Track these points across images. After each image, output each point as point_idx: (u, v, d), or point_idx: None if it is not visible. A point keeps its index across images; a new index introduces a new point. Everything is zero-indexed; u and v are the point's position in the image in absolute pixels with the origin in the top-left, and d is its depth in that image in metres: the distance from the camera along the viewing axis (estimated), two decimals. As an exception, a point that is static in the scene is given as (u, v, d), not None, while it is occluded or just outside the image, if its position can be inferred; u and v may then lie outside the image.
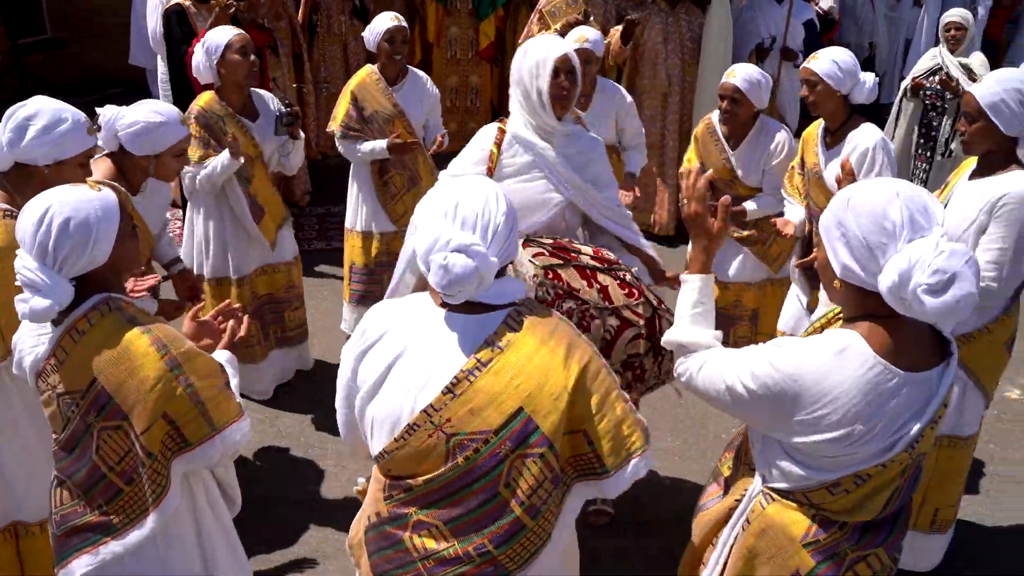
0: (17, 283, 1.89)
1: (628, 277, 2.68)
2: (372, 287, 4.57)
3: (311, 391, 4.37)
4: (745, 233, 4.12)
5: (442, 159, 3.90)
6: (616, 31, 5.53)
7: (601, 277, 2.61)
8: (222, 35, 3.74)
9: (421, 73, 4.61)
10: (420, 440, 1.72)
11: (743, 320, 4.34)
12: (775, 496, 1.87)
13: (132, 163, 3.00)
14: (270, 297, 4.21)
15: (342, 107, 4.39)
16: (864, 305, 1.71)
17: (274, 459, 3.89)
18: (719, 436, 4.13)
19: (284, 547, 3.36)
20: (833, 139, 3.53)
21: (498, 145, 2.91)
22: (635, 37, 5.82)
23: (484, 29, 7.48)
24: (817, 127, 3.62)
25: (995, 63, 9.56)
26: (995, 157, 2.80)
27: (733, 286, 4.27)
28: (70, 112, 2.52)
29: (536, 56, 2.79)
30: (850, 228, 1.66)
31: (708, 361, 1.89)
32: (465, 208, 1.72)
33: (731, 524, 1.97)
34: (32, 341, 2.01)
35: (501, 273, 1.78)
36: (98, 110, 2.95)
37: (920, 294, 1.54)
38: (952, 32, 5.88)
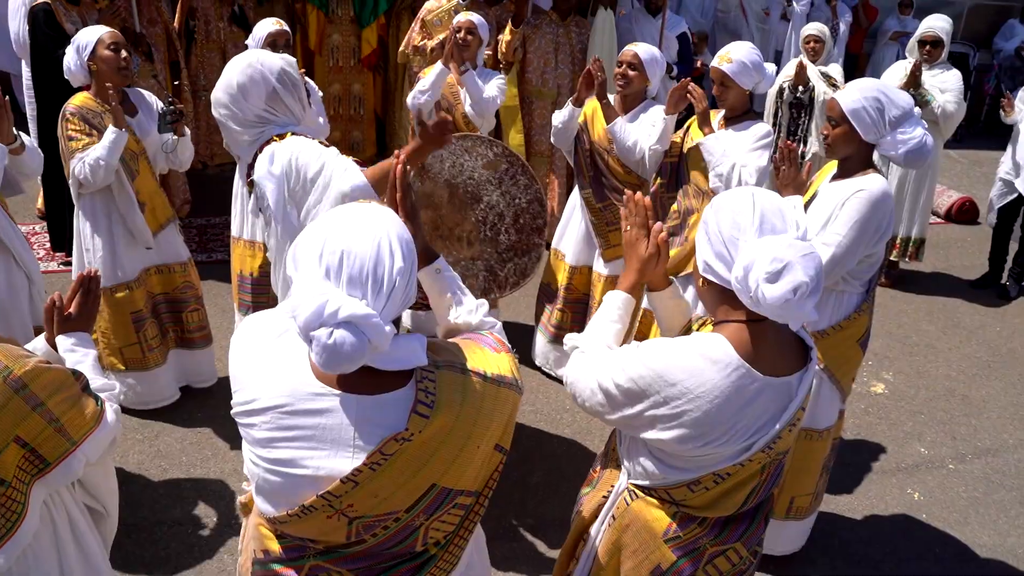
0: None
1: None
2: (261, 297, 4.49)
3: (192, 407, 4.26)
4: (598, 207, 4.37)
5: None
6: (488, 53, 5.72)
7: None
8: (92, 33, 3.66)
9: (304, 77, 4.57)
10: (318, 519, 1.55)
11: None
12: (639, 492, 1.95)
13: None
14: (166, 296, 4.13)
15: None
16: (726, 307, 1.79)
17: (154, 479, 3.77)
18: (604, 441, 4.25)
19: (165, 573, 3.27)
20: (730, 124, 3.82)
21: None
22: (525, 37, 5.97)
23: (366, 37, 7.43)
24: (714, 116, 3.90)
25: (857, 74, 10.19)
26: (854, 161, 2.98)
27: (582, 270, 4.56)
28: None
29: None
30: (711, 226, 1.77)
31: (585, 362, 1.93)
32: (352, 263, 1.42)
33: (600, 519, 2.05)
34: None
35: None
36: None
37: (760, 283, 1.63)
38: (812, 44, 6.36)
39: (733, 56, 3.71)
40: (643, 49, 4.17)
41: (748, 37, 9.68)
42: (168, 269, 4.12)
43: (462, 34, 4.58)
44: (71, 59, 3.66)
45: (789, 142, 3.14)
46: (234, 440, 4.00)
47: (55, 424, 1.88)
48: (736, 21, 9.82)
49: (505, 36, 5.99)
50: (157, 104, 3.88)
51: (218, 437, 4.04)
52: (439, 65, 4.57)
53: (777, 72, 9.49)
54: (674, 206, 4.03)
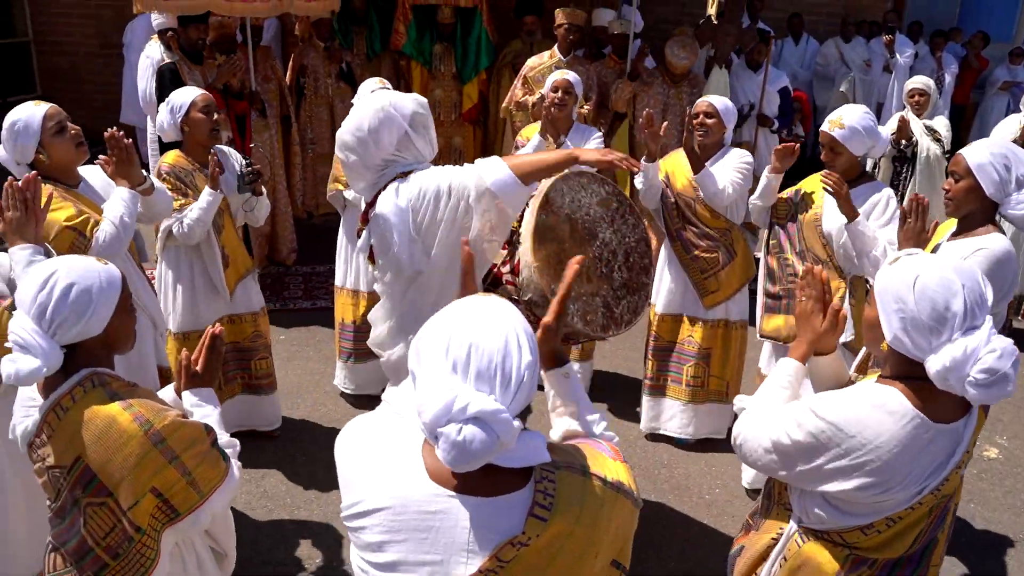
0: (7, 344, 1.92)
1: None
2: (361, 344, 4.63)
3: (295, 450, 4.40)
4: (688, 257, 4.35)
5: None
6: (586, 108, 5.81)
7: None
8: (187, 94, 3.88)
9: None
10: None
11: (695, 359, 4.48)
12: (811, 535, 2.02)
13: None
14: (235, 346, 4.26)
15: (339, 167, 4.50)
16: (905, 368, 1.88)
17: (259, 519, 3.89)
18: (703, 497, 4.19)
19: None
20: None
21: None
22: (637, 99, 6.06)
23: (467, 92, 7.65)
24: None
25: (964, 126, 9.92)
26: (975, 218, 2.92)
27: (670, 318, 4.50)
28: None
29: None
30: (910, 307, 1.80)
31: (754, 423, 2.04)
32: (480, 357, 1.37)
33: (770, 561, 2.11)
34: (23, 412, 2.04)
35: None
36: None
37: (967, 385, 1.74)
38: (916, 97, 6.21)
39: (845, 121, 3.60)
40: (716, 99, 4.26)
41: (848, 89, 9.58)
42: (240, 319, 4.25)
43: (558, 94, 4.69)
44: (164, 117, 3.88)
45: (920, 196, 3.08)
46: (337, 484, 4.10)
47: (188, 477, 1.98)
48: (837, 72, 9.73)
49: (619, 92, 6.07)
50: (238, 161, 4.07)
51: (322, 480, 4.15)
52: (537, 137, 4.69)
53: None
54: (772, 260, 4.00)
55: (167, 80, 5.45)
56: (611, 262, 2.86)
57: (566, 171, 2.73)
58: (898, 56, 9.29)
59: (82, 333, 1.96)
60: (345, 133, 2.69)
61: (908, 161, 6.07)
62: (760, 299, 4.02)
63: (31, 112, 3.00)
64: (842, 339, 3.73)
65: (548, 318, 1.79)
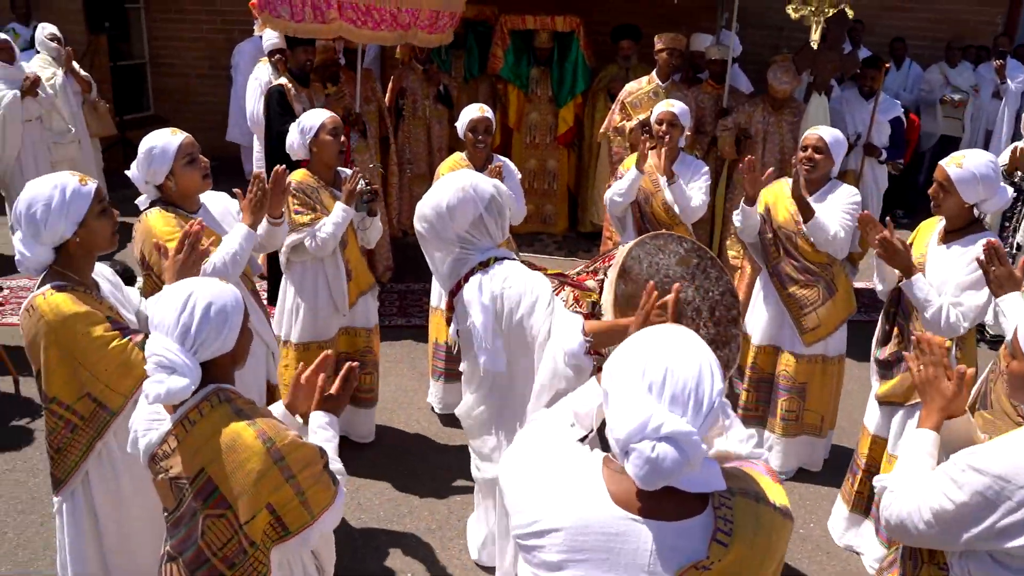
0: (147, 366, 2.01)
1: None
2: (453, 364, 4.70)
3: (388, 465, 4.46)
4: (787, 293, 4.27)
5: (521, 240, 4.06)
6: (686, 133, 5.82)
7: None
8: (317, 117, 4.06)
9: (503, 158, 4.84)
10: None
11: (790, 393, 4.38)
12: None
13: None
14: (348, 356, 4.37)
15: None
16: None
17: (354, 531, 3.96)
18: (797, 531, 4.09)
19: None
20: (946, 239, 3.44)
21: None
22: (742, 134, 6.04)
23: (563, 115, 7.71)
24: (935, 224, 3.55)
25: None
26: None
27: (767, 349, 4.42)
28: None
29: None
30: None
31: (903, 497, 1.97)
32: (676, 381, 1.43)
33: None
34: (146, 425, 2.12)
35: None
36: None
37: None
38: None
39: (966, 163, 3.28)
40: (827, 132, 4.16)
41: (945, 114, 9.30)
42: (355, 332, 4.40)
43: (664, 127, 4.68)
44: (294, 138, 4.09)
45: (992, 240, 2.96)
46: (430, 499, 4.17)
47: (301, 497, 2.03)
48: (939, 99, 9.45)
49: (723, 140, 6.09)
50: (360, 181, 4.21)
51: (414, 495, 4.21)
52: (634, 170, 4.70)
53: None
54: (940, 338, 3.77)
55: (275, 101, 5.66)
56: (695, 320, 2.85)
57: (643, 236, 2.84)
58: (1009, 81, 8.96)
59: (219, 349, 2.06)
60: (425, 206, 2.84)
61: (1022, 194, 5.81)
62: (872, 364, 3.78)
63: (168, 140, 3.16)
64: None
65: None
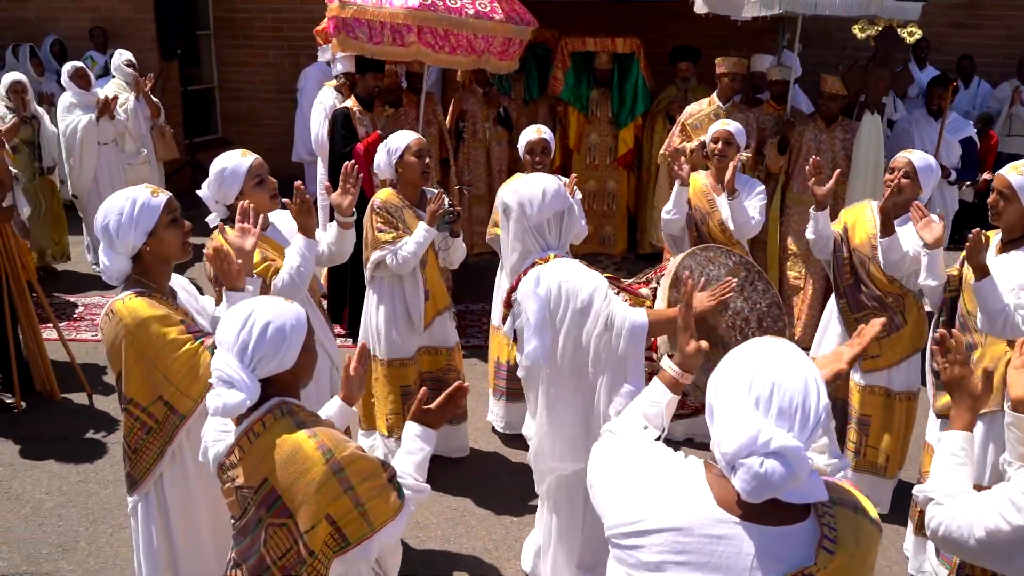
0: (211, 380, 2.09)
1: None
2: (514, 383, 4.74)
3: (448, 484, 4.47)
4: (853, 317, 4.13)
5: (580, 261, 4.06)
6: (747, 155, 5.78)
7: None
8: (403, 138, 4.17)
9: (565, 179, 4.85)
10: None
11: (855, 424, 4.25)
12: None
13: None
14: (431, 375, 4.47)
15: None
16: None
17: (411, 548, 3.98)
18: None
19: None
20: (1004, 249, 3.40)
21: None
22: (790, 146, 5.97)
23: (623, 137, 7.71)
24: (994, 234, 3.49)
25: None
26: None
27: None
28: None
29: None
30: None
31: (954, 507, 1.95)
32: (783, 396, 1.46)
33: None
34: (215, 436, 2.20)
35: None
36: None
37: None
38: None
39: (1021, 164, 3.28)
40: (917, 157, 4.01)
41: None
42: (436, 351, 4.48)
43: (719, 145, 4.67)
44: (382, 158, 4.20)
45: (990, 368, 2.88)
46: (487, 517, 4.19)
47: (360, 508, 2.07)
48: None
49: (772, 158, 6.05)
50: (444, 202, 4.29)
51: (471, 515, 4.23)
52: (677, 185, 4.70)
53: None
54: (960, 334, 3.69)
55: (340, 124, 5.80)
56: (744, 329, 2.89)
57: (693, 248, 2.98)
58: (1084, 100, 8.70)
59: (277, 367, 2.12)
60: (523, 187, 3.07)
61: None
62: (930, 377, 3.71)
63: (238, 161, 3.28)
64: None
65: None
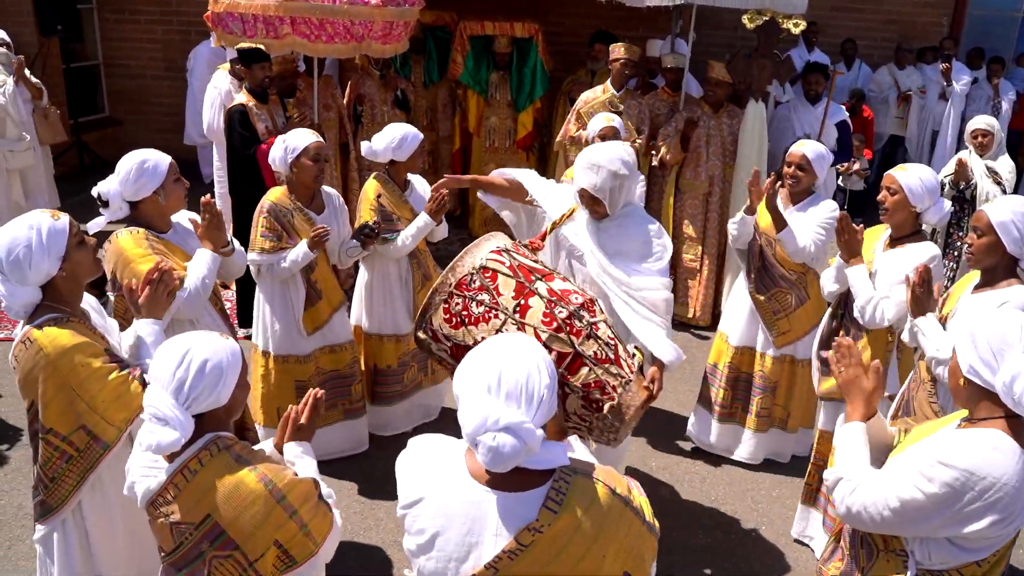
0: (143, 416, 2.08)
1: (563, 316, 2.54)
2: (398, 387, 4.89)
3: (353, 476, 4.53)
4: (762, 299, 4.47)
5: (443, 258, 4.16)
6: (638, 141, 5.94)
7: (533, 300, 2.55)
8: (302, 139, 4.09)
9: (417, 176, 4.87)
10: None
11: (764, 392, 4.63)
12: (930, 574, 2.18)
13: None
14: (336, 373, 4.48)
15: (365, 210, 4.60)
16: (989, 404, 2.09)
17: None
18: (748, 534, 4.25)
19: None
20: (893, 245, 3.65)
21: (572, 212, 3.44)
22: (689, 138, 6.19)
23: (522, 120, 7.78)
24: (881, 232, 3.78)
25: (1022, 154, 9.77)
26: (997, 272, 3.00)
27: (743, 350, 4.64)
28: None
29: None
30: (979, 337, 2.07)
31: (865, 484, 2.19)
32: (508, 380, 1.70)
33: None
34: (143, 471, 2.18)
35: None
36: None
37: None
38: (980, 139, 6.03)
39: (911, 169, 3.57)
40: (810, 148, 4.31)
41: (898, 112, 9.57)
42: (340, 348, 4.49)
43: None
44: (278, 153, 4.11)
45: (922, 269, 3.13)
46: (394, 512, 4.23)
47: (304, 529, 2.15)
48: (892, 98, 9.69)
49: (674, 151, 6.27)
50: (339, 201, 4.34)
51: (378, 509, 4.29)
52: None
53: (930, 158, 9.38)
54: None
55: (237, 123, 5.59)
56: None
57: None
58: (955, 83, 9.21)
59: (213, 404, 2.13)
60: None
61: (968, 203, 5.98)
62: (815, 362, 4.02)
63: (160, 157, 3.21)
64: (889, 391, 3.77)
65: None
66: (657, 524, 1.87)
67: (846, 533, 2.46)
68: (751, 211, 4.39)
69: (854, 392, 2.41)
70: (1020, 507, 2.01)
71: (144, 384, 2.63)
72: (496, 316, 2.55)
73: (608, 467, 1.92)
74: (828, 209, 4.28)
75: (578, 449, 2.19)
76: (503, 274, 2.63)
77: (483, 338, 2.40)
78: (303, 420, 2.43)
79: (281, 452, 2.42)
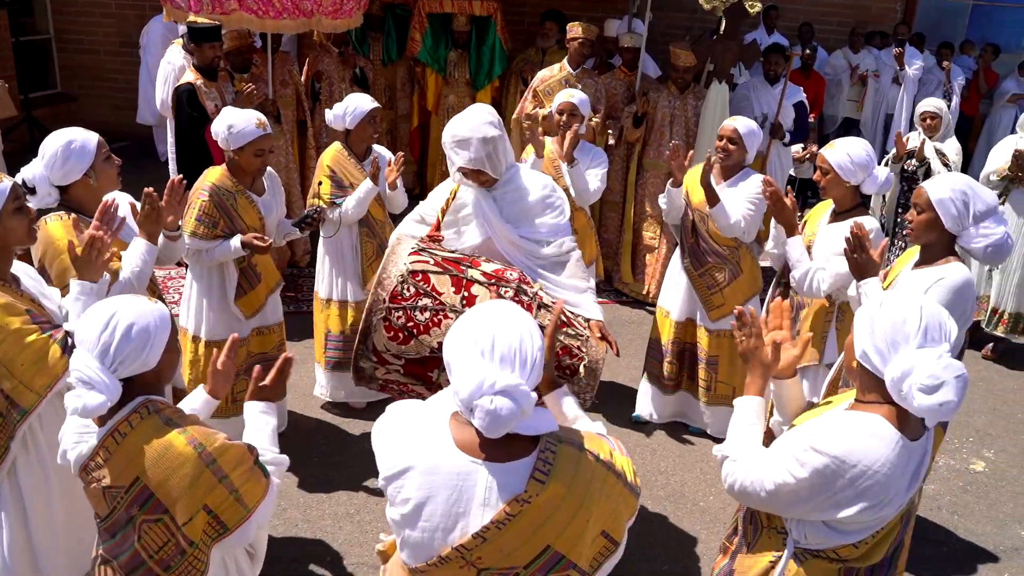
0: (70, 379, 2.07)
1: (510, 294, 2.67)
2: (348, 353, 4.79)
3: (304, 453, 4.54)
4: (696, 274, 4.57)
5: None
6: (595, 119, 5.98)
7: (476, 288, 2.62)
8: (248, 127, 3.87)
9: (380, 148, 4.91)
10: (451, 569, 1.80)
11: (704, 364, 4.71)
12: (807, 555, 2.21)
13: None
14: (262, 356, 4.36)
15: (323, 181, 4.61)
16: (872, 388, 2.08)
17: (272, 518, 4.01)
18: (697, 504, 4.33)
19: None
20: (836, 219, 3.78)
21: (454, 193, 3.27)
22: (648, 116, 6.22)
23: (480, 98, 7.79)
24: (827, 206, 3.89)
25: (972, 137, 9.99)
26: (936, 248, 3.06)
27: (685, 323, 4.74)
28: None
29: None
30: (877, 324, 2.04)
31: (748, 463, 2.21)
32: (502, 344, 1.72)
33: None
34: (75, 437, 2.17)
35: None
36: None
37: (914, 390, 1.92)
38: (928, 120, 6.19)
39: (839, 145, 3.69)
40: (742, 124, 4.40)
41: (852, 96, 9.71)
42: (268, 330, 4.38)
43: (564, 118, 4.86)
44: (222, 132, 3.86)
45: (855, 228, 3.17)
46: (346, 485, 4.28)
47: (235, 494, 2.13)
48: (846, 81, 9.84)
49: (629, 132, 6.35)
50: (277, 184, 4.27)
51: (330, 481, 4.31)
52: (532, 156, 4.99)
53: (884, 140, 9.56)
54: (786, 302, 4.10)
55: (185, 102, 5.47)
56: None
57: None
58: (907, 68, 9.37)
59: (141, 367, 2.12)
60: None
61: (918, 182, 6.11)
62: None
63: (86, 136, 3.04)
64: (827, 360, 3.88)
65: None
66: (639, 482, 1.91)
67: (742, 509, 2.47)
68: (676, 183, 4.47)
69: (754, 363, 2.36)
70: (893, 494, 2.03)
71: (64, 347, 2.61)
72: (446, 316, 2.58)
73: (589, 431, 1.97)
74: (757, 183, 4.34)
75: (576, 417, 2.26)
76: (433, 273, 2.64)
77: (439, 344, 2.45)
78: (267, 382, 2.45)
79: (216, 398, 2.48)
